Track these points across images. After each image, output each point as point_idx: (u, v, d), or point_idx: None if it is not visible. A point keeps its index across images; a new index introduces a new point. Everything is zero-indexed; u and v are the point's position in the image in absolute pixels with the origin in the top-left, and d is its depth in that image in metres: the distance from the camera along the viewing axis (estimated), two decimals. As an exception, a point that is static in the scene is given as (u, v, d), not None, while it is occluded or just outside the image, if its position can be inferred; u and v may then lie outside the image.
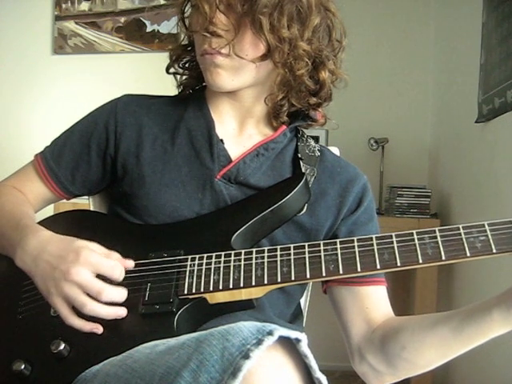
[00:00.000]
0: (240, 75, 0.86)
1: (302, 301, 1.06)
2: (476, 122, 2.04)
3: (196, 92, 0.99)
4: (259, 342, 0.55)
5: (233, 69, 0.86)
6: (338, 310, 0.93)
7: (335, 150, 1.08)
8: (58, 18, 3.10)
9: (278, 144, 0.92)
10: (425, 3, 2.83)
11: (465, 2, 2.37)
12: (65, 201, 1.02)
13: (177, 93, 1.01)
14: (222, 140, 0.91)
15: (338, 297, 0.92)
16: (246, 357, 0.53)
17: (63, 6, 3.10)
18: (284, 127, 0.93)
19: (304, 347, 0.57)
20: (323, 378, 0.58)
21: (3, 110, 3.12)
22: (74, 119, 0.99)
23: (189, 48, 0.96)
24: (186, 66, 0.98)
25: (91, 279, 0.73)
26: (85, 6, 3.08)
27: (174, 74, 0.99)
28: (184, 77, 0.99)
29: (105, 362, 0.68)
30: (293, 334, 0.57)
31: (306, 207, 0.88)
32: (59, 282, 0.73)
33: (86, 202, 1.06)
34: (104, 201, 1.05)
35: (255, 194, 0.89)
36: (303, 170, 0.90)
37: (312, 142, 0.96)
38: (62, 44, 3.09)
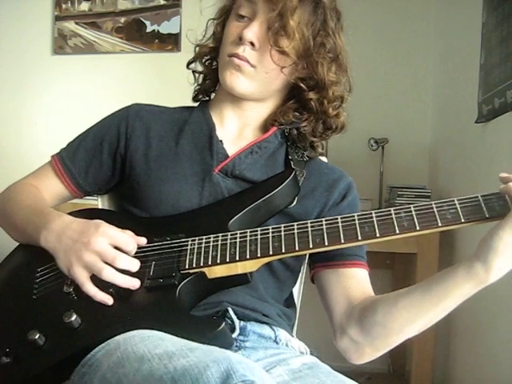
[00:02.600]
0: (254, 86, 0.97)
1: (296, 292, 1.13)
2: (476, 122, 2.04)
3: (200, 103, 1.10)
4: None
5: (252, 78, 0.97)
6: (323, 293, 1.01)
7: (323, 159, 1.12)
8: (58, 18, 3.10)
9: (270, 144, 1.02)
10: (425, 3, 2.83)
11: (465, 2, 2.37)
12: (74, 202, 1.11)
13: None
14: (221, 141, 1.01)
15: (324, 280, 1.00)
16: None
17: (63, 6, 3.10)
18: (275, 128, 1.03)
19: None
20: None
21: (3, 110, 3.12)
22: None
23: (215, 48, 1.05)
24: (207, 64, 1.08)
25: (108, 247, 0.83)
26: (85, 6, 3.08)
27: (194, 72, 1.09)
28: (201, 77, 1.10)
29: (107, 349, 0.73)
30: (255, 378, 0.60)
31: (296, 200, 0.96)
32: (80, 252, 0.83)
33: (95, 204, 1.14)
34: (112, 201, 1.14)
35: (250, 186, 0.97)
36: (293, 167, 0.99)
37: (301, 150, 1.04)
38: (62, 44, 3.09)
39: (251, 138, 1.02)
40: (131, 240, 0.86)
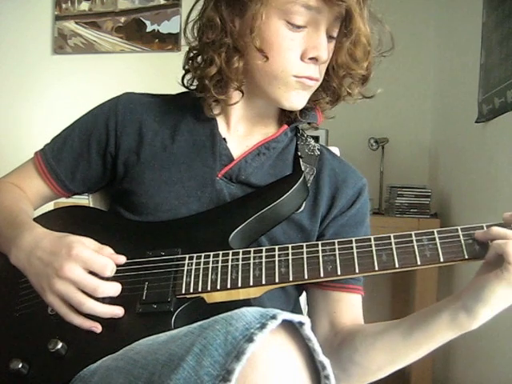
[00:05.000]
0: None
1: (302, 300, 1.06)
2: (476, 121, 2.04)
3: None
4: (263, 326, 0.54)
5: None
6: (309, 309, 0.93)
7: (335, 150, 1.07)
8: (58, 18, 3.10)
9: (280, 143, 0.92)
10: (425, 3, 2.83)
11: (465, 1, 2.37)
12: (65, 199, 1.02)
13: (177, 92, 1.00)
14: (224, 138, 0.91)
15: (311, 297, 0.93)
16: (250, 340, 0.53)
17: (63, 5, 3.10)
18: (285, 126, 0.93)
19: (307, 330, 0.57)
20: (326, 361, 0.57)
21: (3, 109, 3.12)
22: (74, 119, 0.99)
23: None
24: (218, 85, 0.88)
25: (85, 276, 0.73)
26: (85, 6, 3.09)
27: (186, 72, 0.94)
28: (208, 97, 0.90)
29: (104, 358, 0.68)
30: (296, 317, 0.57)
31: (303, 205, 0.88)
32: (52, 278, 0.73)
33: (85, 201, 1.06)
34: (104, 199, 1.05)
35: (253, 191, 0.88)
36: (303, 169, 0.90)
37: (312, 142, 0.97)
38: (62, 44, 3.09)
39: (257, 134, 0.93)
40: (108, 263, 0.75)
